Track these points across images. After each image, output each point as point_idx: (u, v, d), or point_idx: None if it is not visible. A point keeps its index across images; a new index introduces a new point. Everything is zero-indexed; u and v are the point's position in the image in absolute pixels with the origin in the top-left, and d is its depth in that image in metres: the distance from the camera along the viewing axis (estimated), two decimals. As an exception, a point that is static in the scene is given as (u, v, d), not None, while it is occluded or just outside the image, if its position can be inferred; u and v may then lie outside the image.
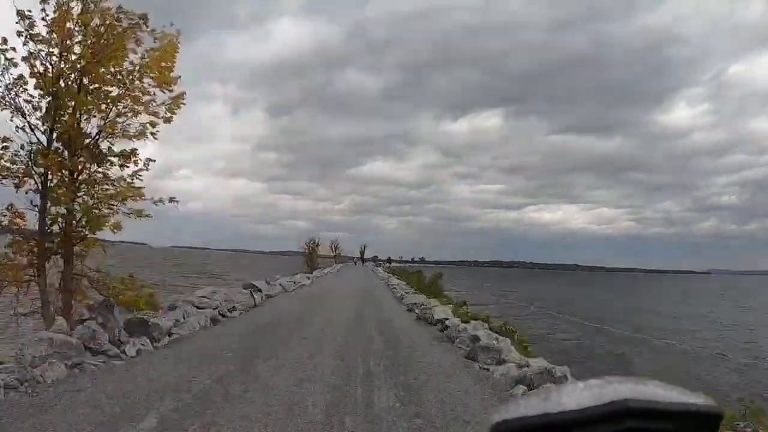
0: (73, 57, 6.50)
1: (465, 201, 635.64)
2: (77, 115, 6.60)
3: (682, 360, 14.70)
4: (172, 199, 7.38)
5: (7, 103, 6.30)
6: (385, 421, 3.93)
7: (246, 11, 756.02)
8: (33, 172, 6.45)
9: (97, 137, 6.86)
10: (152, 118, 7.08)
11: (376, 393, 4.68)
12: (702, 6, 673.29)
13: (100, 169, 6.91)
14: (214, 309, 8.89)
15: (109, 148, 6.94)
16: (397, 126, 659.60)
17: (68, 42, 6.46)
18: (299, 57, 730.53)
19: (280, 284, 15.61)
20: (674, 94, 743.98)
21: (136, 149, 7.10)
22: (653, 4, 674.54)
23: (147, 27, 6.85)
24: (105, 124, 6.83)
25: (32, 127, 6.49)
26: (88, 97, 6.58)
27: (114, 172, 6.98)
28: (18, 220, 6.64)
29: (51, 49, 6.39)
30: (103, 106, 6.77)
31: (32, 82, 6.38)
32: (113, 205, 6.88)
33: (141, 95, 6.95)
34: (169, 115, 7.18)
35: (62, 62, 6.47)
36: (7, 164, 6.33)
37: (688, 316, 28.46)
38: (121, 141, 7.03)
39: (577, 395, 0.39)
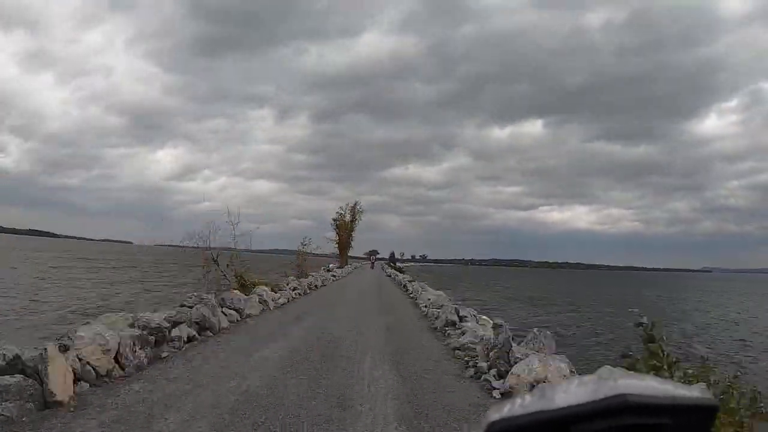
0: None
1: (481, 201, 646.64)
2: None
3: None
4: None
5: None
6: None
7: (338, 24, 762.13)
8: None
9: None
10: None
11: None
12: (752, 39, 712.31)
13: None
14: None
15: None
16: (439, 131, 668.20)
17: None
18: (370, 67, 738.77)
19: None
20: (708, 107, 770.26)
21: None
22: (710, 39, 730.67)
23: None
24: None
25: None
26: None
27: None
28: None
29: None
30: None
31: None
32: None
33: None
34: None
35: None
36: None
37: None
38: None
39: (573, 392, 0.40)
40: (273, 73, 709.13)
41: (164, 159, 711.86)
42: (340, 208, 44.64)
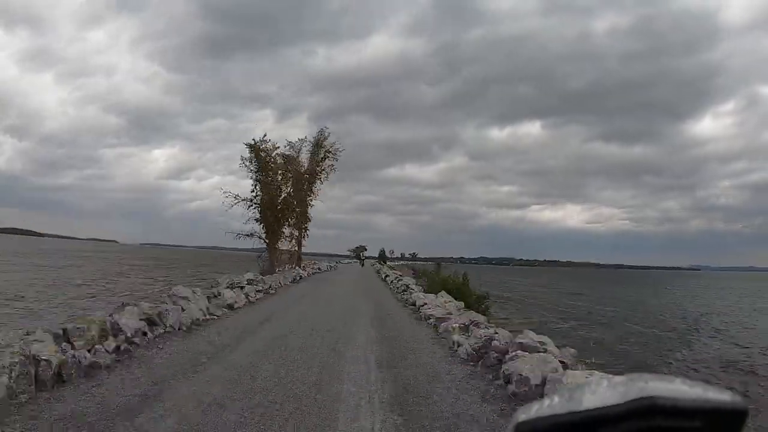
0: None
1: (474, 201, 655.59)
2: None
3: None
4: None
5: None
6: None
7: (347, 26, 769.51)
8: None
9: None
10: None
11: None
12: (751, 45, 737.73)
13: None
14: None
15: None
16: (440, 132, 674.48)
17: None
18: (376, 69, 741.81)
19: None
20: (704, 110, 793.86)
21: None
22: (711, 46, 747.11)
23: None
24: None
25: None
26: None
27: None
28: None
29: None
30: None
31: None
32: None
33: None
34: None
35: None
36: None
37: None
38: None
39: (602, 393, 0.40)
40: (279, 73, 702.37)
41: (160, 158, 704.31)
42: (290, 142, 22.32)
